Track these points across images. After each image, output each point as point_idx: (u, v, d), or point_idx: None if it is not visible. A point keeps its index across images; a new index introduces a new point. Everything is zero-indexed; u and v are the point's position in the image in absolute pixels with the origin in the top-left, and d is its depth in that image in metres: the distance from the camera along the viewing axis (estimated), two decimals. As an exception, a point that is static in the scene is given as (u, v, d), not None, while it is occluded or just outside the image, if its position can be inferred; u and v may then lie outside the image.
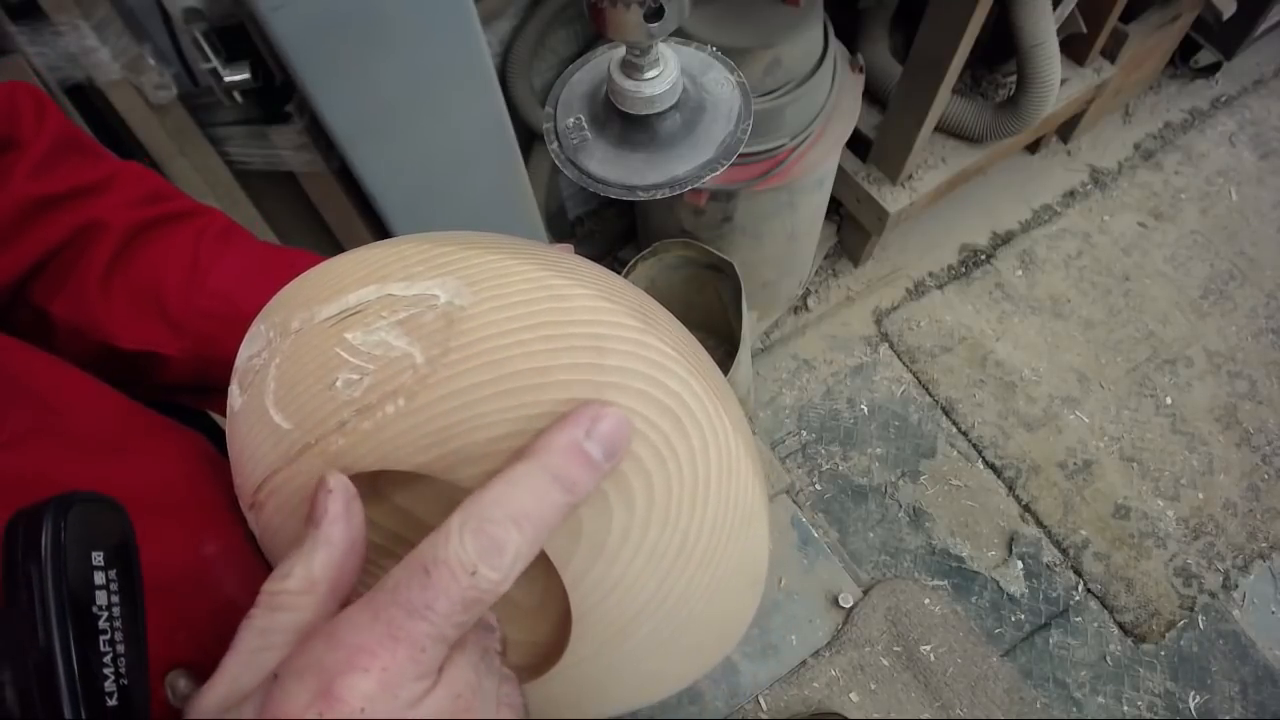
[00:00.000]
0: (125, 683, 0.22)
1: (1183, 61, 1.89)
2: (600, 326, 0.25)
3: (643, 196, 0.39)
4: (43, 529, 0.21)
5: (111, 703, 0.22)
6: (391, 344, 0.25)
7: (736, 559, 0.29)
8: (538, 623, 0.33)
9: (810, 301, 1.70)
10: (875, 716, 1.35)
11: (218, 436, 0.49)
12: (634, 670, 0.32)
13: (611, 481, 0.26)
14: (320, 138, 0.87)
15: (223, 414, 0.49)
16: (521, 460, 0.23)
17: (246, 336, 0.30)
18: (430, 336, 0.25)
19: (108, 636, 0.22)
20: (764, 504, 0.30)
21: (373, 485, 0.31)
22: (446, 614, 0.21)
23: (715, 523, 0.28)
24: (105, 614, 0.22)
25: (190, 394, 0.46)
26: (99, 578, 0.22)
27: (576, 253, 0.42)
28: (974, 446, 1.56)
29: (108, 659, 0.22)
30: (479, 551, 0.21)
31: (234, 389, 0.29)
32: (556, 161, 0.40)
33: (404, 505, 0.33)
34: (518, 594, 0.34)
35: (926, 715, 1.35)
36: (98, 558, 0.23)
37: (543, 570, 0.28)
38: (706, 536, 0.28)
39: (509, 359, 0.25)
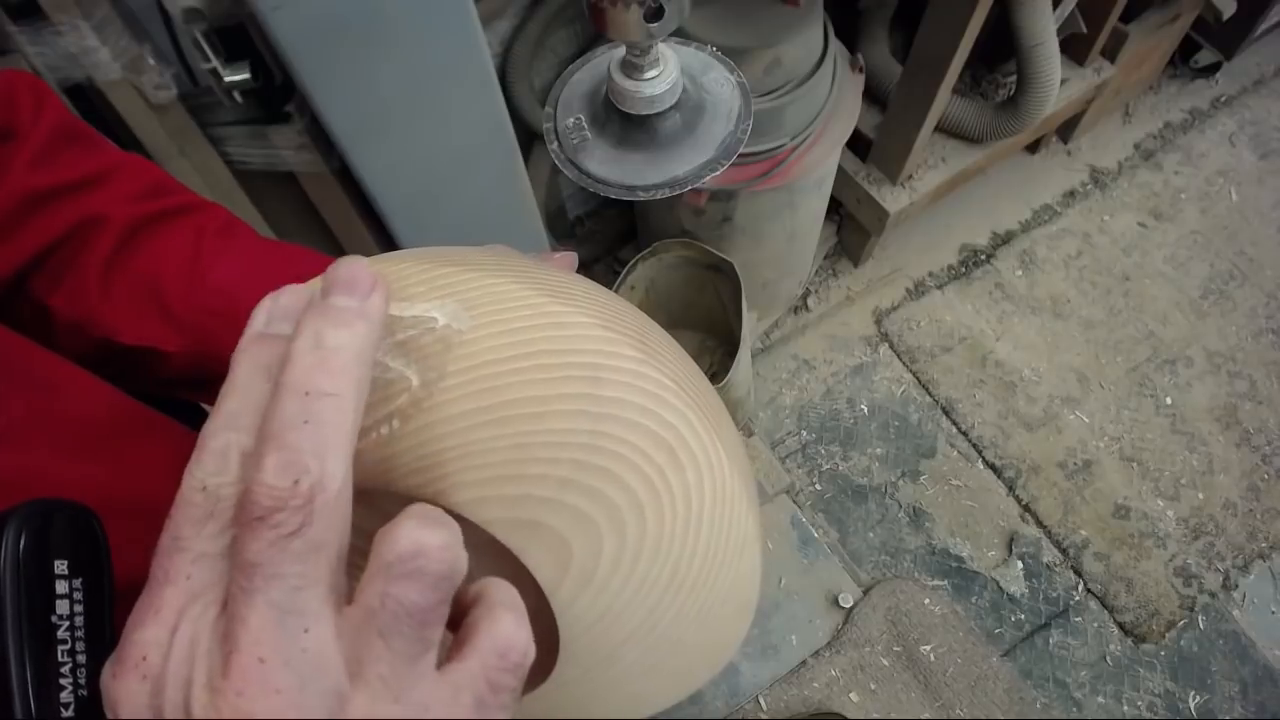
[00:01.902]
0: (85, 694, 0.22)
1: (1183, 61, 1.90)
2: (598, 356, 0.25)
3: (643, 196, 0.39)
4: (2, 540, 0.21)
5: (68, 714, 0.21)
6: (388, 365, 0.25)
7: (727, 588, 0.29)
8: None
9: (810, 301, 1.70)
10: (875, 716, 1.35)
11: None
12: (619, 693, 0.32)
13: (604, 512, 0.26)
14: (320, 138, 0.87)
15: None
16: (230, 371, 0.23)
17: None
18: (427, 360, 0.25)
19: (67, 646, 0.22)
20: (757, 533, 0.30)
21: (368, 496, 0.32)
22: (194, 534, 0.20)
23: (707, 553, 0.28)
24: (66, 623, 0.22)
25: (187, 388, 0.46)
26: (61, 586, 0.22)
27: (576, 252, 0.42)
28: (974, 446, 1.56)
29: (66, 669, 0.22)
30: (204, 469, 0.21)
31: None
32: (556, 161, 0.40)
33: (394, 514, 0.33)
34: None
35: (926, 715, 1.35)
36: (61, 566, 0.22)
37: (531, 593, 0.28)
38: (698, 567, 0.28)
39: (505, 386, 0.24)
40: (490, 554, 0.31)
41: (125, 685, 0.19)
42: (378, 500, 0.33)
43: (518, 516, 0.26)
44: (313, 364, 0.21)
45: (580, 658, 0.29)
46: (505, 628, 0.22)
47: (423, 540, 0.20)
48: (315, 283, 0.25)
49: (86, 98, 0.79)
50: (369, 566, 0.20)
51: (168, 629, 0.19)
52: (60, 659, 0.22)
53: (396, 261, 0.27)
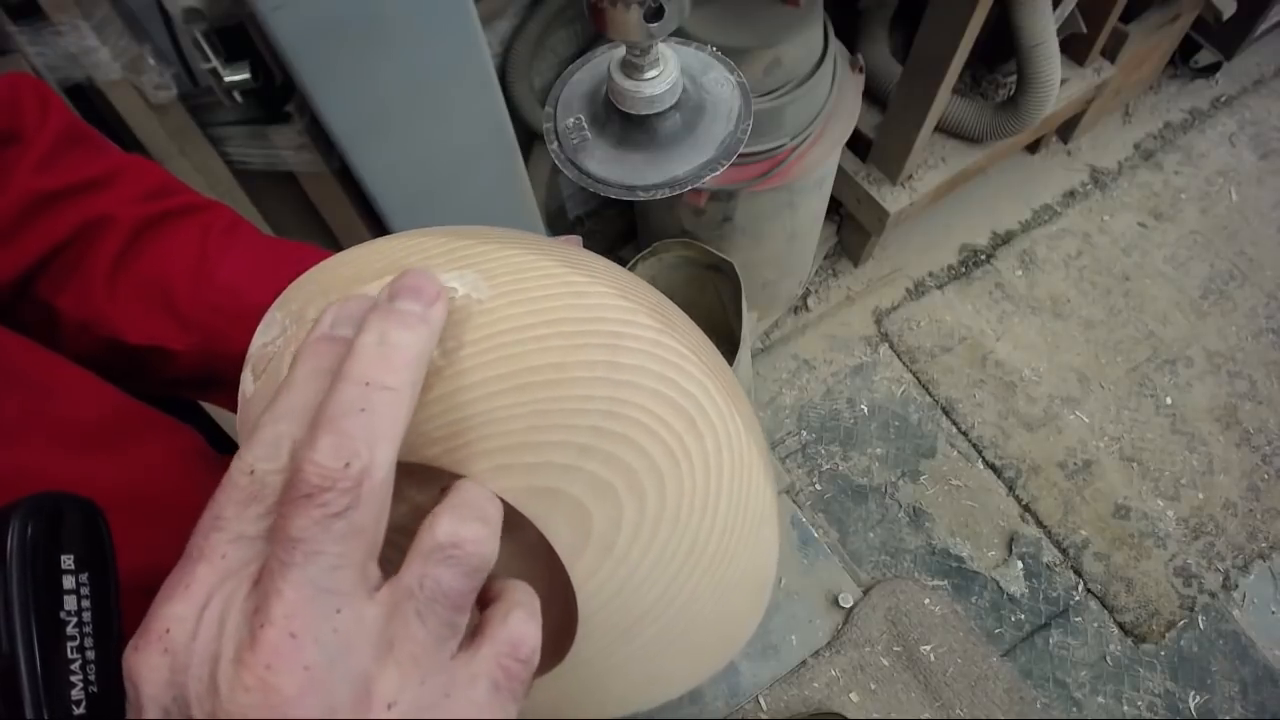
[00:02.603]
0: (95, 690, 0.22)
1: (1183, 61, 1.89)
2: (618, 325, 0.25)
3: (643, 196, 0.39)
4: (9, 532, 0.21)
5: (79, 711, 0.21)
6: None
7: (745, 563, 0.29)
8: (542, 621, 0.33)
9: (810, 301, 1.70)
10: (875, 716, 1.35)
11: (212, 432, 0.49)
12: (636, 672, 0.31)
13: (624, 479, 0.26)
14: (320, 138, 0.87)
15: (224, 407, 0.49)
16: (289, 368, 0.23)
17: (261, 324, 0.30)
18: (447, 329, 0.25)
19: (76, 643, 0.22)
20: (774, 509, 0.29)
21: None
22: (236, 515, 0.21)
23: (726, 525, 0.28)
24: (74, 619, 0.22)
25: (193, 388, 0.46)
26: (68, 582, 0.22)
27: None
28: (974, 446, 1.56)
29: (75, 665, 0.22)
30: (254, 454, 0.21)
31: (247, 375, 0.29)
32: (556, 161, 0.40)
33: (414, 498, 0.33)
34: None
35: (926, 715, 1.35)
36: (67, 561, 0.22)
37: (548, 568, 0.28)
38: (716, 539, 0.28)
39: (525, 354, 0.24)
40: (509, 536, 0.31)
41: (146, 659, 0.19)
42: (397, 480, 0.33)
43: (537, 484, 0.26)
44: (376, 358, 0.22)
45: (598, 634, 0.29)
46: (518, 623, 0.24)
47: (460, 532, 0.22)
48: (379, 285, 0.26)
49: (86, 98, 0.79)
50: (410, 553, 0.22)
51: (197, 605, 0.20)
52: (69, 655, 0.22)
53: (415, 236, 0.28)
